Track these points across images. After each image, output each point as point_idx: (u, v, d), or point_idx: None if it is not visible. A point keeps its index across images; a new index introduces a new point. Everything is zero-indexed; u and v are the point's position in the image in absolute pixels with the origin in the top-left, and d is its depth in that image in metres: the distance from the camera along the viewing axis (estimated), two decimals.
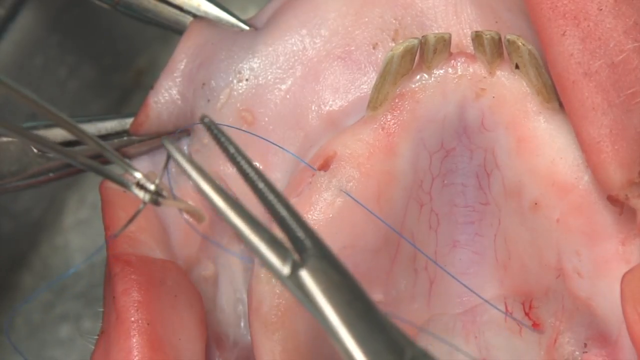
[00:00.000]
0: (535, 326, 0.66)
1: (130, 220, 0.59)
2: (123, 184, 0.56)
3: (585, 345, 0.64)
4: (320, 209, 0.62)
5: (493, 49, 0.62)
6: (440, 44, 0.62)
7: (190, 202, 0.69)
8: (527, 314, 0.66)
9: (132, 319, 0.60)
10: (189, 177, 0.52)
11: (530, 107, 0.62)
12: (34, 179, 0.69)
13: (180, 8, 0.71)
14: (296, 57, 0.67)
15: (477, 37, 0.62)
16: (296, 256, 0.51)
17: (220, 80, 0.68)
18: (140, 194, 0.56)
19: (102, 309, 0.65)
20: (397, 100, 0.63)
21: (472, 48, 0.63)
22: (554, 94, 0.61)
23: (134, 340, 0.60)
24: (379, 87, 0.63)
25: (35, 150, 0.69)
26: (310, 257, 0.51)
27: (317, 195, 0.62)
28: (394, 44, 0.65)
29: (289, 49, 0.67)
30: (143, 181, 0.55)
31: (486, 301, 0.66)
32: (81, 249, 0.97)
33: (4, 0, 0.83)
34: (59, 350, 0.94)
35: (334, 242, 0.62)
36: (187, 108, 0.69)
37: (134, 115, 0.70)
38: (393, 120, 0.63)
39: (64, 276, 0.78)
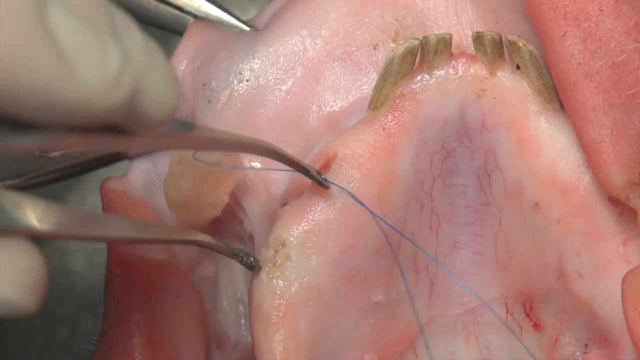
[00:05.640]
0: (536, 327, 0.66)
1: None
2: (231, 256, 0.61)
3: (586, 345, 0.64)
4: (321, 210, 0.62)
5: (494, 50, 0.62)
6: (441, 45, 0.62)
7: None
8: (527, 315, 0.66)
9: (133, 319, 0.60)
10: None
11: (531, 108, 0.62)
12: (34, 179, 0.69)
13: (180, 9, 0.71)
14: (297, 58, 0.67)
15: (477, 38, 0.62)
16: None
17: (220, 81, 0.67)
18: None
19: (102, 310, 0.65)
20: (398, 101, 0.63)
21: (473, 49, 0.63)
22: (555, 95, 0.61)
23: (135, 341, 0.60)
24: (379, 87, 0.63)
25: (35, 151, 0.69)
26: None
27: (317, 196, 0.62)
28: (394, 45, 0.65)
29: (290, 50, 0.67)
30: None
31: (488, 305, 0.66)
32: (81, 250, 0.96)
33: None
34: (60, 351, 0.94)
35: (334, 242, 0.62)
36: (187, 109, 0.69)
37: None
38: (394, 121, 0.63)
39: None
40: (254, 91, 0.67)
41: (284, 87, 0.67)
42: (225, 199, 0.65)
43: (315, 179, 0.61)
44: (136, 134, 0.45)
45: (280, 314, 0.61)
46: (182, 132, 0.50)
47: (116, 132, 0.44)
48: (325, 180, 0.61)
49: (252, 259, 0.61)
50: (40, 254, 0.44)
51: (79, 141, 0.42)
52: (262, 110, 0.67)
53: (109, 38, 0.41)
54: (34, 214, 0.45)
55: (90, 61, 0.40)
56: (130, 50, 0.42)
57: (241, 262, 0.61)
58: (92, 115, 0.41)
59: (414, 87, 0.63)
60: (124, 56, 0.41)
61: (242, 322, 0.70)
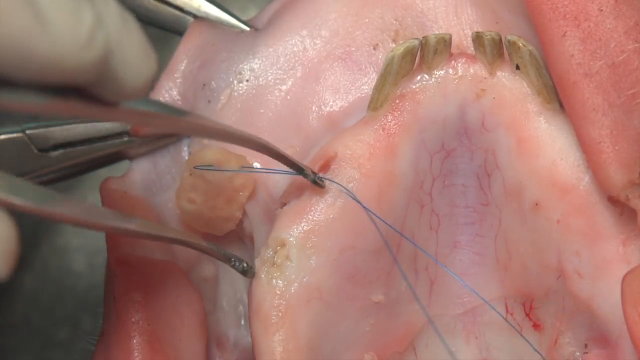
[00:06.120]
0: (536, 327, 0.66)
1: None
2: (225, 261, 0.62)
3: (586, 345, 0.64)
4: (321, 210, 0.62)
5: (493, 50, 0.62)
6: (441, 45, 0.62)
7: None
8: (527, 315, 0.66)
9: (133, 319, 0.60)
10: None
11: (530, 108, 0.62)
12: (34, 179, 0.69)
13: (180, 9, 0.71)
14: (297, 58, 0.67)
15: (477, 38, 0.62)
16: None
17: (220, 81, 0.67)
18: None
19: (102, 310, 0.65)
20: (397, 101, 0.63)
21: (472, 49, 0.63)
22: (555, 95, 0.61)
23: (135, 341, 0.60)
24: (379, 87, 0.63)
25: (35, 151, 0.69)
26: None
27: (317, 197, 0.62)
28: (394, 45, 0.65)
29: (290, 50, 0.67)
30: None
31: (488, 303, 0.66)
32: (81, 250, 0.96)
33: None
34: (59, 351, 0.94)
35: (334, 242, 0.62)
36: (187, 109, 0.69)
37: None
38: (394, 121, 0.63)
39: None
40: (254, 91, 0.67)
41: (284, 87, 0.67)
42: (238, 214, 0.66)
43: (310, 178, 0.61)
44: (117, 105, 0.46)
45: (280, 314, 0.61)
46: (173, 115, 0.51)
47: (96, 100, 0.45)
48: (321, 179, 0.62)
49: (245, 264, 0.61)
50: (11, 221, 0.45)
51: (58, 105, 0.44)
52: (262, 110, 0.67)
53: (84, 1, 0.43)
54: (31, 197, 0.46)
55: (64, 19, 0.42)
56: (104, 14, 0.44)
57: (233, 266, 0.61)
58: (64, 72, 0.42)
59: (414, 87, 0.63)
60: (97, 18, 0.43)
61: (242, 322, 0.70)
